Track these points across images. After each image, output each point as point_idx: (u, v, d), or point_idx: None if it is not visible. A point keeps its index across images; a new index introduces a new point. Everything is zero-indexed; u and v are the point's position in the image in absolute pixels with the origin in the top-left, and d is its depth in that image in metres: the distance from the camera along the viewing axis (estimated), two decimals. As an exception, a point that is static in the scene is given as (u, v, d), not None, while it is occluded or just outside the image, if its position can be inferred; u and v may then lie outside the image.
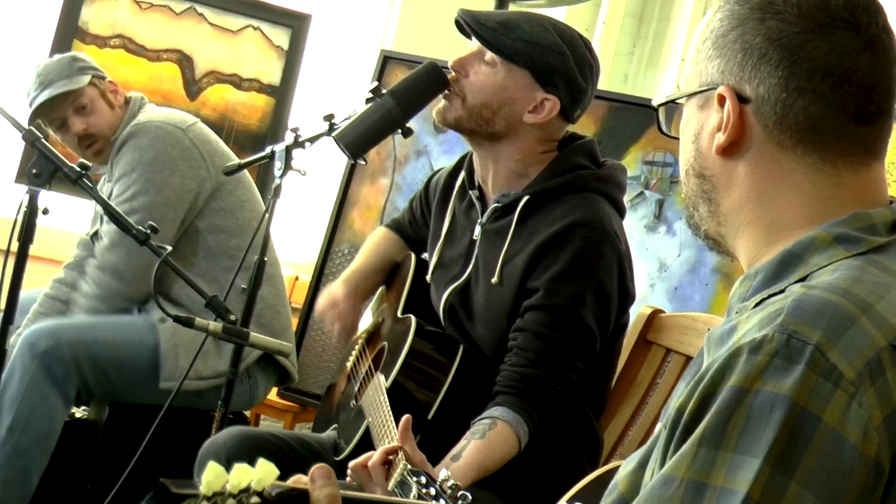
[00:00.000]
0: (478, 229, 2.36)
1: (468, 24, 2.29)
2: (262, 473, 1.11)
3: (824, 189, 1.23)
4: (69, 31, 4.33)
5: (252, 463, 1.12)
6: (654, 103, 1.37)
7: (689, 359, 2.42)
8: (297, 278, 4.46)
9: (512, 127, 2.28)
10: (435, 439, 2.00)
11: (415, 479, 1.68)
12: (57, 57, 3.27)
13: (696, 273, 3.42)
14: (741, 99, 1.24)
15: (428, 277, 2.48)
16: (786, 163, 1.23)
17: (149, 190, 3.09)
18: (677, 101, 1.33)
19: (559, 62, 2.26)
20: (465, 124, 2.30)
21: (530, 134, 2.30)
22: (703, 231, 1.33)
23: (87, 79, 3.21)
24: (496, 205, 2.32)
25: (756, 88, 1.23)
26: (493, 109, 2.28)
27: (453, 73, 2.31)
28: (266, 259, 2.54)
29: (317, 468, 1.21)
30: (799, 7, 1.22)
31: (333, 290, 2.61)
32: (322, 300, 2.63)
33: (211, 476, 1.05)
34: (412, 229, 2.67)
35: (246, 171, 3.29)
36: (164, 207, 3.10)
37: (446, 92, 2.31)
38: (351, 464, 1.83)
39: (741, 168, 1.25)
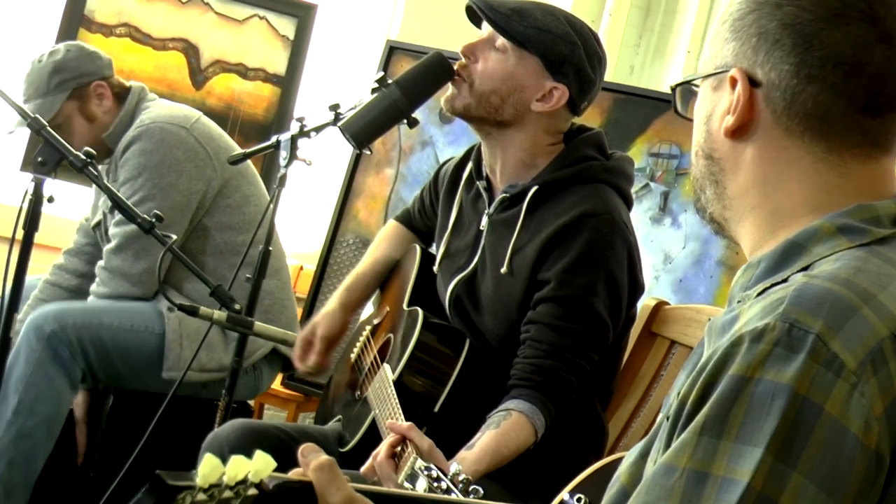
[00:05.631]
0: (485, 220, 2.36)
1: (481, 9, 2.28)
2: (260, 465, 1.10)
3: (829, 179, 1.23)
4: (75, 19, 4.32)
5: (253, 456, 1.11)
6: (671, 84, 1.37)
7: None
8: (301, 268, 4.46)
9: (520, 115, 2.28)
10: (440, 432, 2.00)
11: (425, 472, 1.68)
12: (43, 60, 3.18)
13: (701, 265, 3.42)
14: (752, 82, 1.24)
15: (435, 268, 2.48)
16: (793, 149, 1.23)
17: (156, 195, 3.08)
18: (693, 82, 1.33)
19: (570, 51, 2.26)
20: (473, 111, 2.30)
21: (537, 123, 2.30)
22: (709, 214, 1.33)
23: (63, 97, 3.15)
24: (504, 195, 2.32)
25: (768, 73, 1.23)
26: (502, 96, 2.27)
27: (463, 60, 2.31)
28: (271, 250, 2.53)
29: (303, 447, 1.21)
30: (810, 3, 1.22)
31: (325, 317, 2.58)
32: (310, 326, 2.60)
33: (207, 469, 1.04)
34: (421, 220, 2.67)
35: (251, 165, 3.29)
36: (171, 211, 3.09)
37: (455, 78, 2.31)
38: (362, 470, 1.83)
39: (749, 152, 1.25)
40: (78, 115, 3.19)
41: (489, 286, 2.32)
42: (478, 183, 2.40)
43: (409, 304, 2.47)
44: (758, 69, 1.23)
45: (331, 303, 2.61)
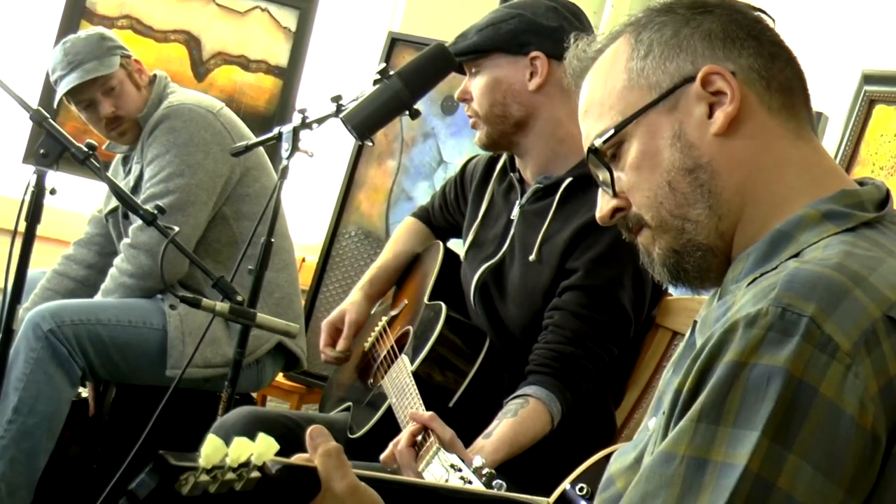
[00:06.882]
0: (516, 210, 2.38)
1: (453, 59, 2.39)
2: (262, 448, 1.10)
3: (807, 155, 1.25)
4: (77, 11, 4.31)
5: None
6: (599, 142, 1.31)
7: (696, 342, 2.41)
8: (303, 260, 4.45)
9: (526, 105, 2.32)
10: (454, 427, 2.01)
11: (448, 463, 1.67)
12: (85, 34, 3.22)
13: (704, 257, 3.41)
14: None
15: (462, 256, 2.50)
16: (776, 129, 1.25)
17: (184, 171, 3.11)
18: (628, 124, 1.29)
19: (516, 24, 2.32)
20: (495, 134, 2.36)
21: (545, 102, 2.33)
22: (697, 243, 1.27)
23: (116, 60, 3.19)
24: (537, 185, 2.35)
25: (737, 60, 1.26)
26: (501, 102, 2.33)
27: (465, 105, 2.39)
28: (275, 242, 2.52)
29: (312, 429, 1.22)
30: (727, 5, 1.30)
31: (353, 305, 2.63)
32: (335, 314, 2.63)
33: (210, 449, 1.05)
34: (442, 215, 2.70)
35: (268, 158, 3.30)
36: (198, 189, 3.12)
37: (471, 125, 2.38)
38: (382, 458, 1.83)
39: (739, 143, 1.25)
40: (128, 81, 3.23)
41: (516, 274, 2.33)
42: (511, 175, 2.43)
43: (431, 299, 2.47)
44: (726, 63, 1.26)
45: (354, 294, 2.66)
